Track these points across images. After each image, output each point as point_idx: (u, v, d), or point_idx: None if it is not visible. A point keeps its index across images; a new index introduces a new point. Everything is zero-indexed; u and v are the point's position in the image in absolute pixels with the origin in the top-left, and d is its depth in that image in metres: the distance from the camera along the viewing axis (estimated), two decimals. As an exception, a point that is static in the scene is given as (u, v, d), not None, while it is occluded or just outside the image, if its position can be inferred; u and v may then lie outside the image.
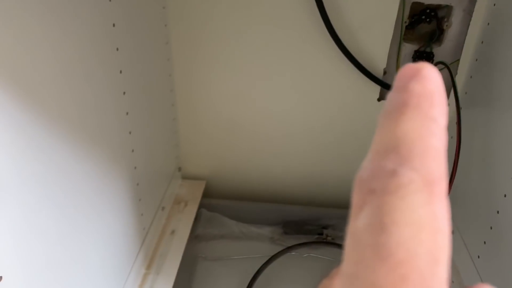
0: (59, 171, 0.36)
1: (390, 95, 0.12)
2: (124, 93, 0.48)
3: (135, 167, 0.53)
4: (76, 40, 0.37)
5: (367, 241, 0.10)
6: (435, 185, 0.11)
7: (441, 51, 0.65)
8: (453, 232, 0.64)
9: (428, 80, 0.12)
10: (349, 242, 0.11)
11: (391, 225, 0.10)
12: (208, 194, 0.79)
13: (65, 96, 0.36)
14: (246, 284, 0.63)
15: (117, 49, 0.45)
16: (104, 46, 0.43)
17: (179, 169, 0.77)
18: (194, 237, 0.71)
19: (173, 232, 0.66)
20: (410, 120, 0.11)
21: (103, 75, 0.43)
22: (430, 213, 0.10)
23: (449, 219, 0.11)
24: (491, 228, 0.54)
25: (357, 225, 0.11)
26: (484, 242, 0.56)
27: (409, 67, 0.12)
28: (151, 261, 0.60)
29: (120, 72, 0.46)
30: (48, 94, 0.33)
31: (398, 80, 0.12)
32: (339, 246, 0.70)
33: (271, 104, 0.71)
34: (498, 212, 0.53)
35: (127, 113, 0.49)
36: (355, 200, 0.11)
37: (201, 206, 0.73)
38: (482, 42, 0.61)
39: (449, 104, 0.68)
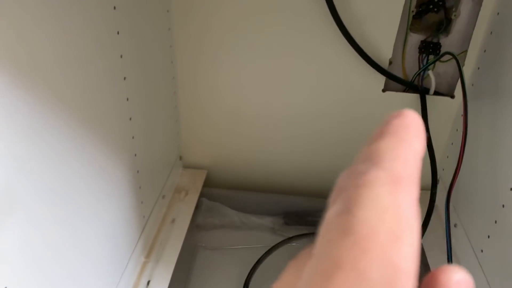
0: (57, 156, 0.35)
1: (375, 130, 0.14)
2: (124, 78, 0.47)
3: (135, 154, 0.52)
4: (75, 23, 0.36)
5: (335, 224, 0.11)
6: (402, 183, 0.12)
7: (448, 42, 0.63)
8: (456, 226, 0.63)
9: (407, 117, 0.14)
10: (320, 230, 0.12)
11: (356, 208, 0.11)
12: (209, 184, 0.78)
13: (63, 80, 0.35)
14: (246, 274, 0.63)
15: (118, 33, 0.44)
16: (105, 30, 0.42)
17: (180, 158, 0.76)
18: (195, 226, 0.70)
19: (173, 220, 0.65)
20: (385, 140, 0.13)
21: (103, 59, 0.42)
22: (394, 202, 0.11)
23: (417, 219, 0.11)
24: (495, 222, 0.54)
25: (328, 215, 0.12)
26: (488, 236, 0.55)
27: (394, 112, 0.14)
28: (150, 249, 0.59)
29: (121, 56, 0.46)
30: (46, 78, 0.32)
31: (384, 120, 0.14)
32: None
33: (274, 94, 0.70)
34: (503, 206, 0.52)
35: (127, 99, 0.48)
36: (331, 199, 0.12)
37: (202, 195, 0.73)
38: (491, 33, 0.60)
39: (455, 96, 0.67)
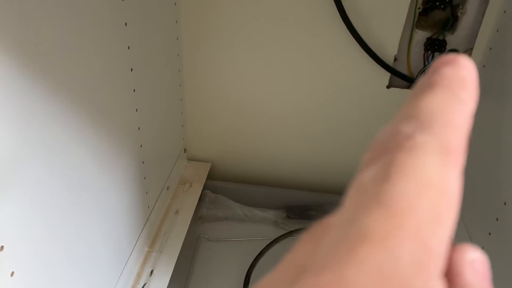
0: (63, 144, 0.36)
1: (421, 79, 0.12)
2: (131, 69, 0.48)
3: (141, 145, 0.53)
4: (83, 14, 0.37)
5: (369, 190, 0.10)
6: (451, 154, 0.10)
7: (454, 39, 0.63)
8: (457, 223, 0.64)
9: (462, 67, 0.12)
10: (350, 192, 0.10)
11: (397, 177, 0.10)
12: (213, 176, 0.79)
13: (71, 69, 0.36)
14: (248, 266, 0.63)
15: (126, 24, 0.45)
16: (113, 21, 0.42)
17: (185, 150, 0.77)
18: (198, 218, 0.71)
19: (177, 211, 0.66)
20: (436, 96, 0.11)
21: (111, 50, 0.42)
22: (441, 175, 0.10)
23: (460, 193, 0.10)
24: (497, 219, 0.54)
25: (362, 177, 0.10)
26: (489, 234, 0.56)
27: (446, 56, 0.12)
28: (154, 239, 0.60)
29: (128, 48, 0.46)
30: (54, 67, 0.33)
31: (431, 67, 0.12)
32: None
33: (279, 89, 0.70)
34: (505, 203, 0.52)
35: (134, 90, 0.49)
36: (366, 158, 0.11)
37: (205, 187, 0.73)
38: (497, 31, 0.60)
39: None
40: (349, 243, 0.09)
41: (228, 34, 0.66)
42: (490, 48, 0.61)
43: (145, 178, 0.55)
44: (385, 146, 0.10)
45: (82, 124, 0.38)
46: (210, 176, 0.76)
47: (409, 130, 0.10)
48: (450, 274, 0.11)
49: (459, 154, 0.10)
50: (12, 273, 0.30)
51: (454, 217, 0.10)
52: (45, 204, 0.34)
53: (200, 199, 0.71)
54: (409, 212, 0.09)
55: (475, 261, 0.11)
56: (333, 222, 0.10)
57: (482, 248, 0.57)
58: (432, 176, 0.10)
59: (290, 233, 0.69)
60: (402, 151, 0.10)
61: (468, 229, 0.61)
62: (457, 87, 0.11)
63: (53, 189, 0.35)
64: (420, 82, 0.12)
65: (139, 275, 0.55)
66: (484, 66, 0.63)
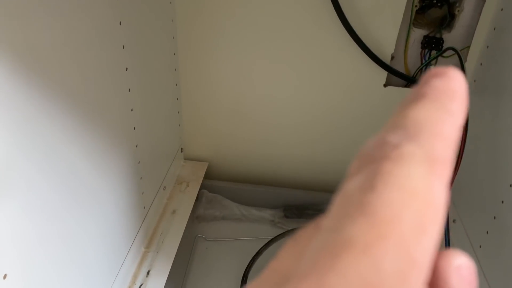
0: (56, 145, 0.35)
1: (411, 90, 0.12)
2: (126, 69, 0.47)
3: (137, 145, 0.52)
4: (77, 12, 0.36)
5: (354, 199, 0.10)
6: (438, 165, 0.10)
7: (451, 37, 0.63)
8: (455, 221, 0.64)
9: (452, 79, 0.12)
10: (336, 201, 0.10)
11: (382, 186, 0.10)
12: (210, 176, 0.78)
13: (65, 68, 0.35)
14: (245, 265, 0.63)
15: (120, 23, 0.44)
16: (107, 20, 0.42)
17: (181, 149, 0.77)
18: (195, 218, 0.71)
19: (174, 211, 0.66)
20: (425, 107, 0.11)
21: (106, 49, 0.42)
22: (426, 186, 0.10)
23: (446, 206, 0.10)
24: (494, 218, 0.54)
25: (348, 186, 0.10)
26: (487, 232, 0.55)
27: (436, 68, 0.12)
28: (151, 239, 0.60)
29: (123, 47, 0.46)
30: (48, 66, 0.33)
31: (422, 79, 0.12)
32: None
33: (275, 87, 0.70)
34: (502, 202, 0.52)
35: (129, 90, 0.48)
36: (352, 168, 0.11)
37: (202, 187, 0.73)
38: (494, 29, 0.60)
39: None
40: (332, 251, 0.09)
41: (225, 32, 0.66)
42: (487, 46, 0.61)
43: (141, 178, 0.55)
44: (371, 156, 0.10)
45: (76, 124, 0.38)
46: (207, 176, 0.76)
47: (396, 140, 0.10)
48: (436, 281, 0.10)
49: (446, 165, 0.10)
50: (5, 276, 0.30)
51: (439, 228, 0.10)
52: (38, 205, 0.33)
53: (197, 199, 0.70)
54: (393, 221, 0.09)
55: (461, 267, 0.11)
56: (317, 230, 0.10)
57: (480, 246, 0.56)
58: (418, 186, 0.10)
59: (288, 233, 0.69)
60: (388, 160, 0.10)
61: (466, 227, 0.61)
62: (446, 99, 0.11)
63: (47, 190, 0.34)
64: (410, 93, 0.12)
65: (135, 276, 0.55)
66: (481, 64, 0.63)
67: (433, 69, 0.12)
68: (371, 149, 0.11)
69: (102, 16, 0.41)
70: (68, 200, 0.38)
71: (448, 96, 0.11)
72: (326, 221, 0.10)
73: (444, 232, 0.57)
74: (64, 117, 0.36)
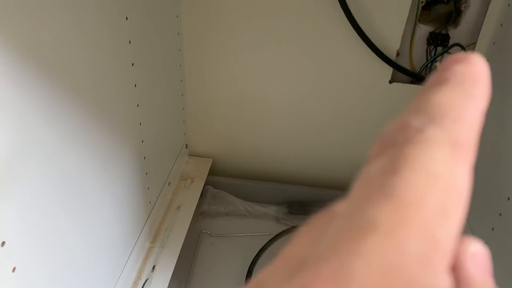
0: (64, 140, 0.35)
1: (431, 76, 0.12)
2: (132, 64, 0.47)
3: (143, 141, 0.53)
4: (85, 6, 0.36)
5: (376, 182, 0.10)
6: (461, 149, 0.10)
7: (457, 34, 0.63)
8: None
9: (473, 64, 0.11)
10: (356, 184, 0.10)
11: (405, 169, 0.09)
12: (215, 172, 0.79)
13: (72, 64, 0.35)
14: (250, 261, 0.63)
15: (127, 19, 0.45)
16: (114, 16, 0.42)
17: (186, 146, 0.77)
18: (200, 213, 0.71)
19: (178, 207, 0.66)
20: (447, 92, 0.11)
21: (112, 45, 0.42)
22: (450, 170, 0.10)
23: (469, 192, 0.10)
24: (500, 214, 0.54)
25: (369, 169, 0.10)
26: (492, 229, 0.55)
27: (457, 54, 0.12)
28: (156, 235, 0.60)
29: (129, 42, 0.46)
30: (56, 62, 0.33)
31: (443, 64, 0.12)
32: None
33: (281, 84, 0.70)
34: (508, 198, 0.52)
35: (135, 85, 0.49)
36: (372, 151, 0.11)
37: (207, 183, 0.73)
38: (501, 25, 0.60)
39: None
40: (354, 235, 0.09)
41: (230, 28, 0.66)
42: (494, 43, 0.61)
43: (146, 173, 0.55)
44: (393, 139, 0.10)
45: (83, 120, 0.38)
46: (212, 172, 0.76)
47: (419, 124, 0.10)
48: (452, 266, 0.10)
49: (470, 149, 0.10)
50: (14, 269, 0.30)
51: (463, 212, 0.10)
52: (46, 200, 0.33)
53: (201, 195, 0.70)
54: (416, 205, 0.09)
55: (476, 254, 0.11)
56: (336, 214, 0.10)
57: (485, 243, 0.56)
58: (441, 170, 0.10)
59: (292, 229, 0.69)
60: (411, 144, 0.10)
61: (471, 224, 0.61)
62: (469, 84, 0.11)
63: (54, 185, 0.34)
64: (431, 78, 0.12)
65: (141, 271, 0.55)
66: (488, 60, 0.62)
67: (454, 55, 0.12)
68: (392, 133, 0.10)
69: (109, 11, 0.41)
70: (74, 195, 0.38)
71: (470, 82, 0.11)
72: (344, 205, 0.10)
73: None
74: (70, 113, 0.36)
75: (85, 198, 0.40)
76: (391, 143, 0.10)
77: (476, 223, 0.60)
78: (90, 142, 0.40)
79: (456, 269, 0.10)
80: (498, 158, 0.56)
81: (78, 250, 0.39)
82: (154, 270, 0.56)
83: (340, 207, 0.10)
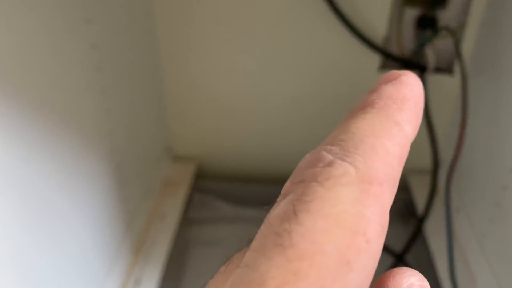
0: (22, 155, 0.32)
1: (360, 97, 0.11)
2: (98, 69, 0.44)
3: (114, 148, 0.49)
4: (40, 9, 0.33)
5: (274, 228, 0.09)
6: (374, 186, 0.09)
7: (445, 16, 0.60)
8: (458, 210, 0.61)
9: (404, 85, 0.11)
10: (260, 229, 0.09)
11: (304, 213, 0.09)
12: (202, 176, 0.75)
13: (25, 70, 0.32)
14: (241, 269, 0.60)
15: (88, 21, 0.41)
16: (74, 19, 0.38)
17: (169, 149, 0.73)
18: (186, 221, 0.68)
19: (162, 216, 0.63)
20: (368, 118, 0.10)
21: (72, 48, 0.39)
22: (356, 212, 0.09)
23: (384, 230, 0.09)
24: (497, 204, 0.51)
25: (272, 212, 0.09)
26: (491, 220, 0.53)
27: (391, 73, 0.11)
28: (139, 247, 0.57)
29: (93, 47, 0.42)
30: (6, 67, 0.29)
31: (375, 84, 0.11)
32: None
33: (264, 77, 0.67)
34: (504, 188, 0.49)
35: (102, 91, 0.45)
36: (284, 189, 0.10)
37: (193, 188, 0.70)
38: (490, 6, 0.57)
39: (454, 73, 0.63)
40: None
41: (209, 24, 0.63)
42: (484, 24, 0.58)
43: (122, 183, 0.52)
44: (302, 175, 0.09)
45: (43, 131, 0.35)
46: (198, 176, 0.73)
47: (330, 157, 0.09)
48: None
49: (385, 185, 0.09)
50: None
51: (371, 260, 0.09)
52: (10, 222, 0.30)
53: (187, 201, 0.67)
54: (312, 256, 0.08)
55: (413, 286, 0.10)
56: (239, 263, 0.09)
57: (483, 235, 0.54)
58: (344, 213, 0.09)
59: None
60: (315, 182, 0.09)
61: (469, 215, 0.58)
62: (395, 108, 0.10)
63: (12, 207, 0.31)
64: (358, 101, 0.11)
65: (123, 286, 0.52)
66: (478, 43, 0.59)
67: (387, 74, 0.11)
68: (303, 168, 0.09)
69: (65, 14, 0.37)
70: (41, 212, 0.35)
71: (396, 105, 0.10)
72: (247, 253, 0.09)
73: (445, 222, 0.53)
74: (25, 125, 0.32)
75: (55, 215, 0.37)
76: (299, 181, 0.09)
77: (473, 215, 0.57)
78: (51, 155, 0.36)
79: None
80: (494, 145, 0.53)
81: (52, 270, 0.36)
82: (140, 285, 0.53)
83: (243, 256, 0.09)
